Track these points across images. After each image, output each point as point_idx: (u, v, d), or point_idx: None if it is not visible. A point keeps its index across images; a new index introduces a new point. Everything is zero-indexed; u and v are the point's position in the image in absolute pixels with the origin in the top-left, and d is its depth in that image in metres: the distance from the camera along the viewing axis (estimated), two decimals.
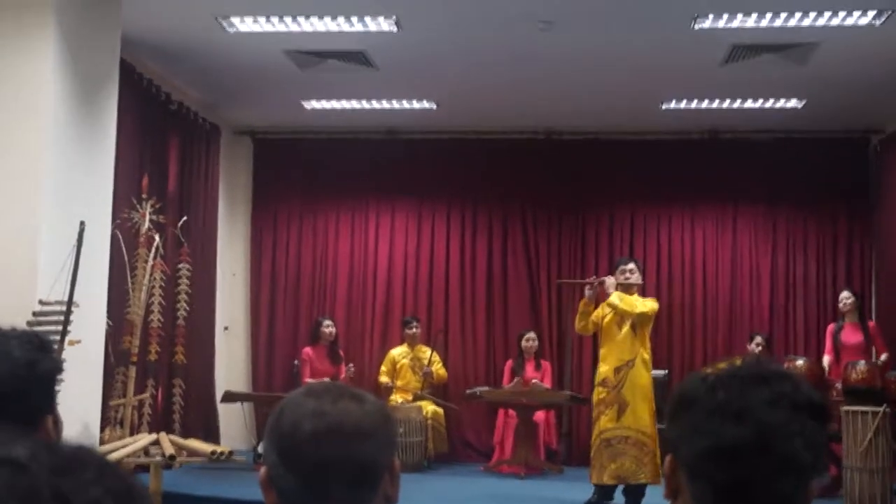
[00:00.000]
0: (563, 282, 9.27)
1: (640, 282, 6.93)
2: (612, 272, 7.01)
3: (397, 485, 1.51)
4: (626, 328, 6.66)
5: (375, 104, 9.03)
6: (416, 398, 9.00)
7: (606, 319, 6.75)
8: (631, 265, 6.90)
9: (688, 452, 1.34)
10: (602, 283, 6.83)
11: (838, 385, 7.28)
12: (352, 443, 1.44)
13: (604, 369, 6.74)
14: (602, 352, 6.85)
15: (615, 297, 6.67)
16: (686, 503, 1.35)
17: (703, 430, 1.32)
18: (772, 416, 1.30)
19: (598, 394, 6.76)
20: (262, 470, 1.49)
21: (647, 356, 6.73)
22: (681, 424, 1.37)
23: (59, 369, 1.76)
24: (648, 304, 6.76)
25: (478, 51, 7.45)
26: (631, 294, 6.77)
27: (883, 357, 7.97)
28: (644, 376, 6.65)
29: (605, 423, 6.63)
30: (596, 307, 6.85)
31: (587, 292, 6.93)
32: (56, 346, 4.87)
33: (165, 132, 8.43)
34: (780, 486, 1.31)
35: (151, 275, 7.46)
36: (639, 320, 6.66)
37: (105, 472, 0.71)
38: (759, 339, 8.98)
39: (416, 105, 9.02)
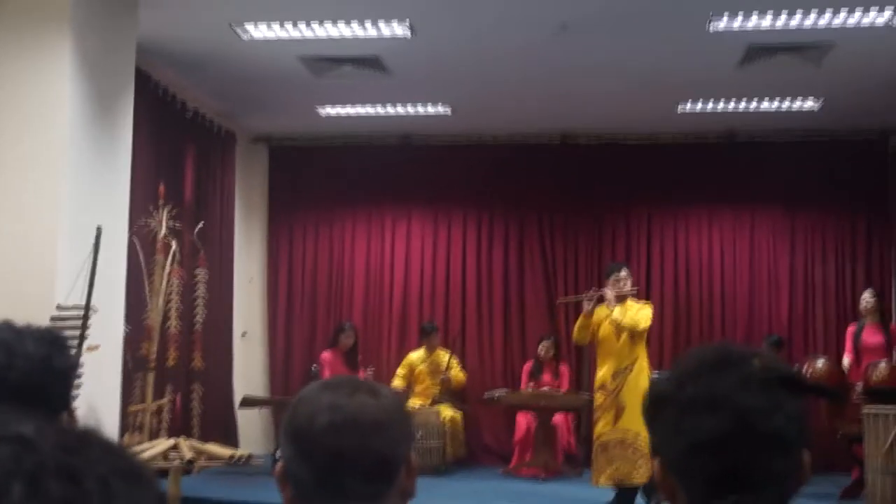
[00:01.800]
0: (561, 301, 9.16)
1: (633, 290, 6.87)
2: (605, 278, 6.97)
3: (414, 480, 1.50)
4: (624, 336, 6.64)
5: (390, 109, 9.04)
6: (434, 403, 8.98)
7: (603, 327, 6.74)
8: (623, 273, 6.85)
9: (672, 453, 1.32)
10: (601, 299, 6.80)
11: (858, 386, 7.22)
12: (367, 436, 1.42)
13: (601, 374, 6.74)
14: (599, 358, 6.84)
15: (618, 313, 6.64)
16: (683, 503, 1.33)
17: (681, 429, 1.29)
18: (745, 399, 1.27)
19: (598, 399, 6.77)
20: (279, 465, 1.48)
21: (645, 362, 6.69)
22: (659, 427, 1.35)
23: (75, 365, 1.76)
24: (646, 315, 6.70)
25: (492, 55, 7.44)
26: (625, 303, 6.73)
27: None
28: (643, 380, 6.60)
29: (602, 428, 6.66)
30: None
31: (586, 306, 6.89)
32: (74, 348, 4.89)
33: (182, 140, 8.47)
34: (771, 466, 1.28)
35: (169, 281, 7.49)
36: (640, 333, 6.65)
37: (112, 451, 0.70)
38: (773, 338, 8.94)
39: (430, 110, 9.03)
